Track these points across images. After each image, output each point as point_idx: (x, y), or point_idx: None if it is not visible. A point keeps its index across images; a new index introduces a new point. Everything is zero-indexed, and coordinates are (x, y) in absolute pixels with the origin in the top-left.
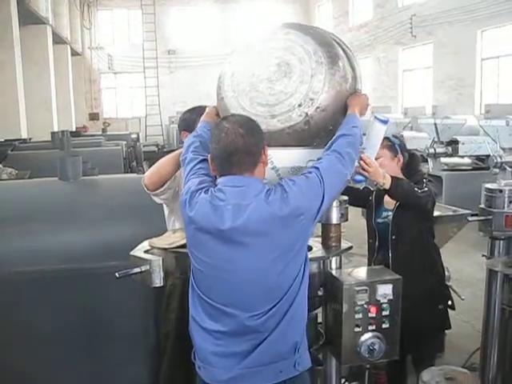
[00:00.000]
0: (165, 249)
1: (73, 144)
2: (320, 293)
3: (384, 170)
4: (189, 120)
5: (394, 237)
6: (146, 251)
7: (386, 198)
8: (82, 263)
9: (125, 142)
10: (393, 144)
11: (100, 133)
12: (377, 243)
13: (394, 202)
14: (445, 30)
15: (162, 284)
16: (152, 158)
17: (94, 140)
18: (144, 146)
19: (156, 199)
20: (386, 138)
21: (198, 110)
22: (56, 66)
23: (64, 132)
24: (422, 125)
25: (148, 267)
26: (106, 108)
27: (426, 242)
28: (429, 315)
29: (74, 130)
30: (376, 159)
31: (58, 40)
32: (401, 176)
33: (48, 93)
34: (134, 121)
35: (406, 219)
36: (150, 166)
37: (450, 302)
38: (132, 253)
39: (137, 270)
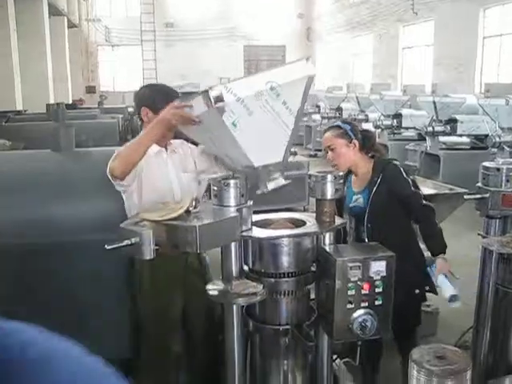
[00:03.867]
0: (155, 221)
1: (68, 116)
2: (313, 268)
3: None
4: (151, 97)
5: (369, 225)
6: (137, 223)
7: (353, 180)
8: (70, 236)
9: (121, 116)
10: (345, 130)
11: (96, 106)
12: (352, 224)
13: (362, 184)
14: (447, 7)
15: (152, 256)
16: None
17: (89, 113)
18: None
19: (119, 187)
20: (337, 126)
21: (162, 89)
22: (52, 38)
23: (59, 104)
24: (420, 103)
25: (138, 239)
26: (102, 81)
27: (402, 228)
28: (404, 298)
29: (70, 102)
30: (332, 150)
31: (54, 12)
32: (361, 161)
33: (44, 65)
34: (131, 94)
35: (381, 207)
36: None
37: (427, 288)
38: (122, 225)
39: (127, 242)
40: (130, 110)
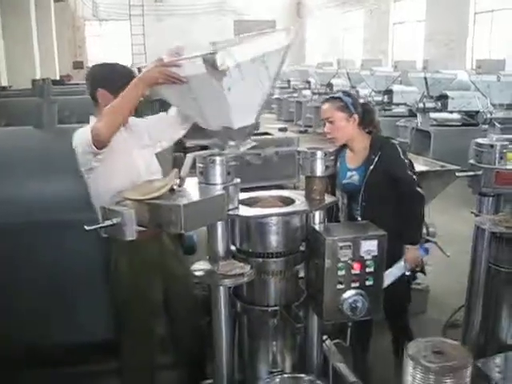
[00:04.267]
0: (138, 200)
1: (54, 92)
2: (302, 248)
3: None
4: (108, 77)
5: (364, 203)
6: (118, 203)
7: (348, 156)
8: (51, 215)
9: None
10: (345, 104)
11: (84, 82)
12: (344, 200)
13: (358, 161)
14: None
15: (134, 237)
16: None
17: (76, 88)
18: None
19: (94, 162)
20: (338, 98)
21: (118, 69)
22: (38, 12)
23: (45, 80)
24: (411, 79)
25: (120, 220)
26: (90, 56)
27: (395, 208)
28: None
29: (57, 78)
30: (330, 122)
31: None
32: (359, 136)
33: (29, 40)
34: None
35: (377, 186)
36: (135, 115)
37: (417, 268)
38: (103, 204)
39: (108, 222)
40: None
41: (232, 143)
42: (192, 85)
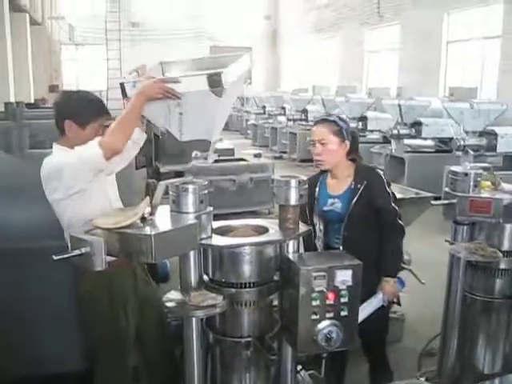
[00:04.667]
0: (108, 229)
1: (28, 116)
2: (276, 277)
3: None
4: (75, 108)
5: (346, 233)
6: (87, 231)
7: (329, 182)
8: (19, 243)
9: None
10: (340, 128)
11: None
12: (321, 227)
13: (340, 188)
14: (412, 11)
15: (103, 267)
16: None
17: (51, 112)
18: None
19: (87, 182)
20: (334, 122)
21: (85, 97)
22: (14, 35)
23: (19, 103)
24: (386, 105)
25: (88, 249)
26: (66, 80)
27: (377, 239)
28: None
29: (32, 101)
30: (322, 144)
31: (15, 8)
32: (345, 163)
33: (4, 63)
34: (95, 94)
35: (361, 216)
36: None
37: (395, 300)
38: (72, 233)
39: (76, 252)
40: None
41: (198, 154)
42: (185, 100)
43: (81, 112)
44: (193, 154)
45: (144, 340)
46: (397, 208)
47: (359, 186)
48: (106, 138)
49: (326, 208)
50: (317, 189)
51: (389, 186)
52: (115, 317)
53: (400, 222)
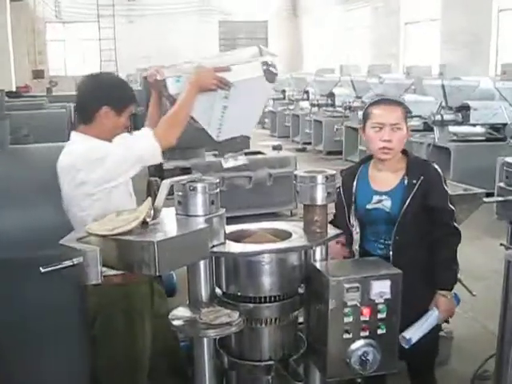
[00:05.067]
0: (104, 236)
1: (9, 106)
2: (301, 290)
3: None
4: (112, 94)
5: (398, 237)
6: (80, 239)
7: (375, 175)
8: (3, 253)
9: (73, 105)
10: (408, 113)
11: (44, 93)
12: (358, 229)
13: (390, 183)
14: None
15: (99, 281)
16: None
17: (35, 102)
18: None
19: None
20: (403, 104)
21: (119, 84)
22: None
23: None
24: (427, 87)
25: (81, 259)
26: (52, 64)
27: (426, 245)
28: None
29: (13, 89)
30: (396, 129)
31: None
32: (398, 153)
33: None
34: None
35: (416, 217)
36: None
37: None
38: (62, 241)
39: (68, 263)
40: None
41: (230, 155)
42: (234, 90)
43: (119, 97)
44: (224, 156)
45: (155, 359)
46: (453, 208)
47: (414, 181)
48: (159, 131)
49: (369, 206)
50: (355, 183)
51: (445, 183)
52: (133, 335)
53: (456, 225)
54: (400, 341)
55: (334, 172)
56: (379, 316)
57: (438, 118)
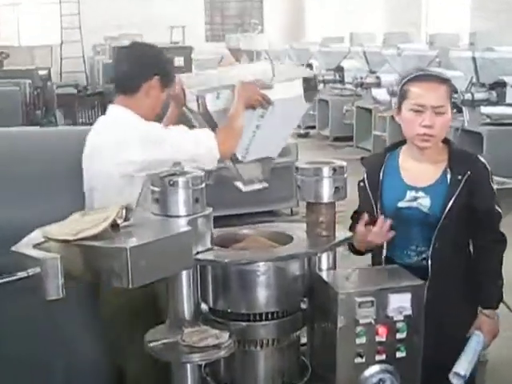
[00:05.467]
0: (67, 241)
1: None
2: (304, 306)
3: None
4: (162, 63)
5: (437, 244)
6: (38, 245)
7: (408, 167)
8: None
9: (29, 81)
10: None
11: None
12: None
13: (429, 177)
14: None
15: (60, 295)
16: (69, 104)
17: None
18: (58, 88)
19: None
20: (449, 81)
21: (161, 52)
22: None
23: None
24: (454, 60)
25: (39, 270)
26: (2, 33)
27: (465, 254)
28: (459, 345)
29: None
30: (440, 113)
31: None
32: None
33: None
34: (44, 51)
35: (459, 220)
36: (65, 115)
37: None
38: (15, 248)
39: (22, 274)
40: (43, 73)
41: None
42: (271, 109)
43: (169, 69)
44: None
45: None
46: (501, 212)
47: (459, 177)
48: (219, 139)
49: (401, 204)
50: (381, 175)
51: (492, 180)
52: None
53: (501, 230)
54: (451, 379)
55: (344, 163)
56: (398, 336)
57: (468, 96)
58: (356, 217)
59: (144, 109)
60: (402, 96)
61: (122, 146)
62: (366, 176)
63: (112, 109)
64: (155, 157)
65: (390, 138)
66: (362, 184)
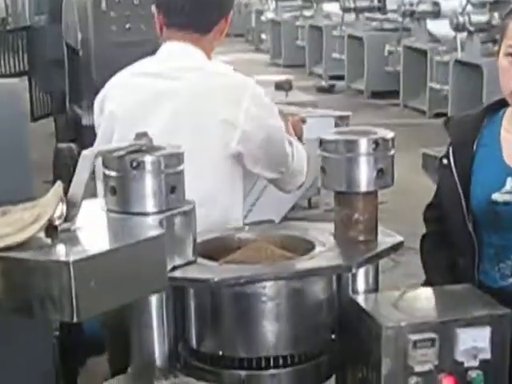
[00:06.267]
0: None
1: None
2: (331, 346)
3: None
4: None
5: None
6: None
7: (509, 140)
8: None
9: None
10: None
11: None
12: (473, 237)
13: None
14: None
15: None
16: None
17: None
18: None
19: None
20: None
21: None
22: None
23: None
24: None
25: None
26: None
27: None
28: None
29: None
30: None
31: None
32: None
33: None
34: None
35: None
36: None
37: None
38: None
39: None
40: None
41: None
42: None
43: (231, 7)
44: None
45: None
46: None
47: None
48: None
49: (497, 196)
50: (474, 146)
51: None
52: None
53: None
54: None
55: (390, 133)
56: None
57: (463, 20)
58: (430, 215)
59: (209, 52)
60: (501, 35)
61: (216, 99)
62: (451, 149)
63: (186, 48)
64: (260, 128)
65: (454, 94)
66: (445, 161)
